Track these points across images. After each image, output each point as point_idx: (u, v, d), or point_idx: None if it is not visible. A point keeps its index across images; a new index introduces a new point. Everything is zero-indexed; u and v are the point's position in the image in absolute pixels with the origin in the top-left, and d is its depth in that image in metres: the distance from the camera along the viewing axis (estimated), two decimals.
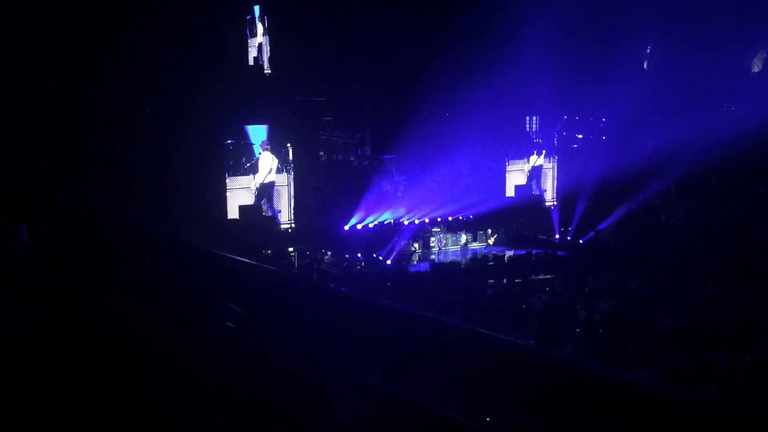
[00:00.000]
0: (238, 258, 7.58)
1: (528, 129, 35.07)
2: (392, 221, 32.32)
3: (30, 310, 5.67)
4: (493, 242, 32.45)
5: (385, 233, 31.75)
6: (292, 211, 30.17)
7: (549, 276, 27.78)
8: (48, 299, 5.96)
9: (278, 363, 5.13)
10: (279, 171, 29.74)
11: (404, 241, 31.32)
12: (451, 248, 32.29)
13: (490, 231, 33.01)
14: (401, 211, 32.82)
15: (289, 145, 30.01)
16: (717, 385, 15.02)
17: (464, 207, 33.95)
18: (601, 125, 34.23)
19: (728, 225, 28.87)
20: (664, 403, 5.44)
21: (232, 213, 28.83)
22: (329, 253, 29.58)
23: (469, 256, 31.20)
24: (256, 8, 30.43)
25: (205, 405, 4.64)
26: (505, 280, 26.76)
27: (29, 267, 6.18)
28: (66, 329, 5.31)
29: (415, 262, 29.98)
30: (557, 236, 33.38)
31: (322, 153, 32.58)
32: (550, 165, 35.92)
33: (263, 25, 30.50)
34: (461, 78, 30.45)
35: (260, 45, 30.35)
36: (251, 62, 30.94)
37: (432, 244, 31.78)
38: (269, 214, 29.29)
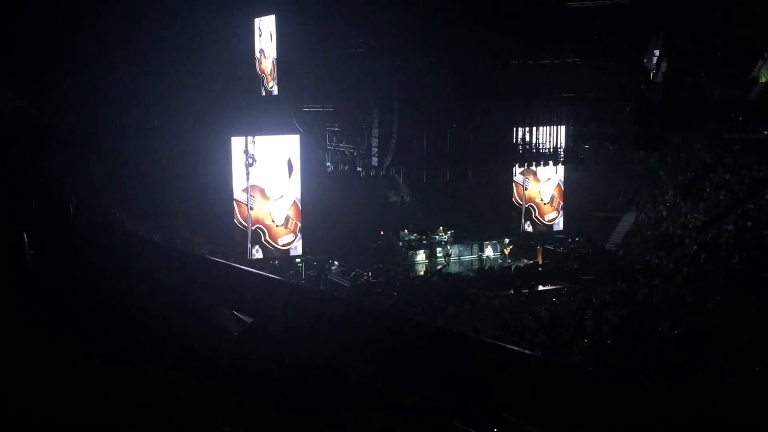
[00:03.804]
0: (245, 268, 7.60)
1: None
2: (399, 232, 32.27)
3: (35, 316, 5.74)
4: (509, 252, 32.36)
5: (392, 243, 31.75)
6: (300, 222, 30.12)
7: (557, 286, 27.75)
8: (55, 307, 6.01)
9: (282, 369, 5.18)
10: None
11: (411, 251, 31.32)
12: (462, 258, 32.26)
13: (507, 241, 32.90)
14: (408, 221, 32.80)
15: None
16: (725, 395, 14.95)
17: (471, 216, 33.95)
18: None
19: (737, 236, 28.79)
20: (671, 412, 5.42)
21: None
22: (336, 263, 29.58)
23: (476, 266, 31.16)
24: (264, 20, 30.58)
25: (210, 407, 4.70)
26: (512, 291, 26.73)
27: (35, 276, 6.23)
28: (73, 334, 5.36)
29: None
30: (562, 248, 33.28)
31: (329, 163, 32.57)
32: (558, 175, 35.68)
33: (271, 36, 30.63)
34: (468, 88, 30.48)
35: (267, 56, 30.48)
36: (258, 61, 31.02)
37: (439, 255, 31.71)
38: None
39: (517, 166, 33.89)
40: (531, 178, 34.30)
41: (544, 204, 34.61)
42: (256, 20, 30.76)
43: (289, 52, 29.58)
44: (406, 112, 30.03)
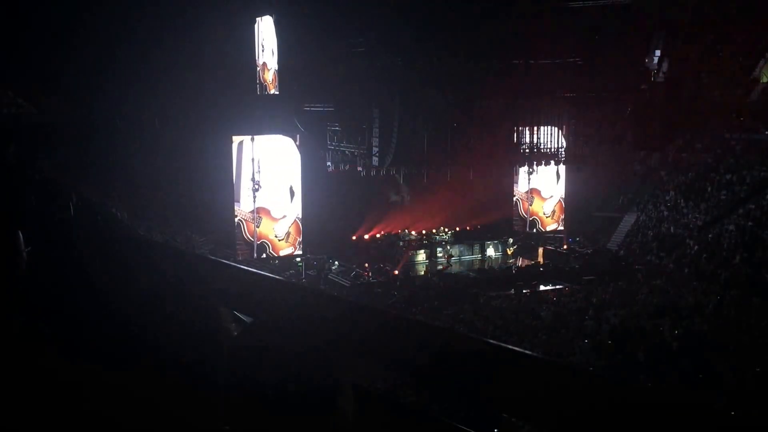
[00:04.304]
0: (245, 267, 7.59)
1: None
2: (400, 231, 32.23)
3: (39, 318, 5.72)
4: (512, 252, 32.26)
5: (393, 243, 31.69)
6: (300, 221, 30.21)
7: (558, 286, 27.69)
8: (56, 306, 6.01)
9: (282, 368, 5.17)
10: None
11: (412, 252, 31.25)
12: (463, 258, 32.22)
13: (511, 240, 32.90)
14: (409, 221, 32.74)
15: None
16: (725, 395, 14.92)
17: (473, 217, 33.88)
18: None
19: (738, 236, 28.74)
20: (671, 412, 5.40)
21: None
22: (336, 263, 29.56)
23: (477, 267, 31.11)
24: (265, 20, 30.62)
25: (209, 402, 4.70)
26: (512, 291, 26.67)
27: (36, 275, 6.23)
28: (74, 334, 5.35)
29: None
30: (564, 246, 33.26)
31: (329, 163, 32.59)
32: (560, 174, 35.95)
33: (272, 36, 30.69)
34: (468, 88, 30.46)
35: (269, 68, 30.79)
36: (260, 71, 31.15)
37: (439, 254, 31.65)
38: None
39: (517, 166, 34.16)
40: (536, 196, 35.76)
41: (546, 217, 36.15)
42: (257, 20, 30.82)
43: (290, 52, 29.62)
44: (406, 112, 30.03)
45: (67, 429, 4.36)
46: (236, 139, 27.63)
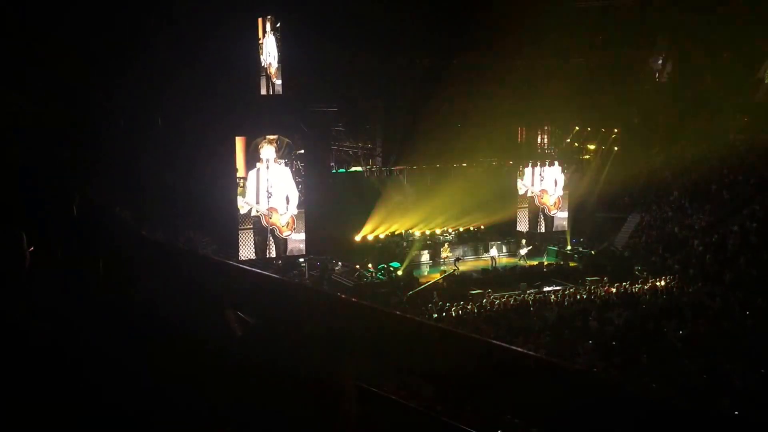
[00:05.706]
0: (247, 267, 7.59)
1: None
2: (403, 232, 32.21)
3: (39, 319, 5.70)
4: (526, 253, 32.17)
5: (397, 244, 31.67)
6: (304, 222, 30.30)
7: (562, 287, 27.64)
8: (57, 308, 5.98)
9: (284, 369, 5.15)
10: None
11: (415, 252, 31.21)
12: (466, 258, 32.21)
13: (524, 241, 32.80)
14: (412, 221, 32.72)
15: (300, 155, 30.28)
16: (730, 398, 14.88)
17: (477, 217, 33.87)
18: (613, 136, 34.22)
19: (743, 237, 28.67)
20: (675, 413, 5.36)
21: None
22: (340, 263, 29.56)
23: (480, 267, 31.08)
24: (268, 21, 30.68)
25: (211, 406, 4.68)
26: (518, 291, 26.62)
27: (36, 275, 6.20)
28: (75, 334, 5.33)
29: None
30: (569, 247, 33.24)
31: (333, 163, 32.61)
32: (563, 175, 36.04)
33: (275, 36, 30.74)
34: (473, 88, 30.46)
35: (272, 68, 30.97)
36: (263, 72, 31.20)
37: (442, 255, 31.62)
38: None
39: (523, 167, 34.37)
40: (543, 194, 36.58)
41: (551, 205, 36.82)
42: (260, 21, 30.94)
43: (293, 52, 29.67)
44: (410, 112, 30.04)
45: (71, 424, 4.35)
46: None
